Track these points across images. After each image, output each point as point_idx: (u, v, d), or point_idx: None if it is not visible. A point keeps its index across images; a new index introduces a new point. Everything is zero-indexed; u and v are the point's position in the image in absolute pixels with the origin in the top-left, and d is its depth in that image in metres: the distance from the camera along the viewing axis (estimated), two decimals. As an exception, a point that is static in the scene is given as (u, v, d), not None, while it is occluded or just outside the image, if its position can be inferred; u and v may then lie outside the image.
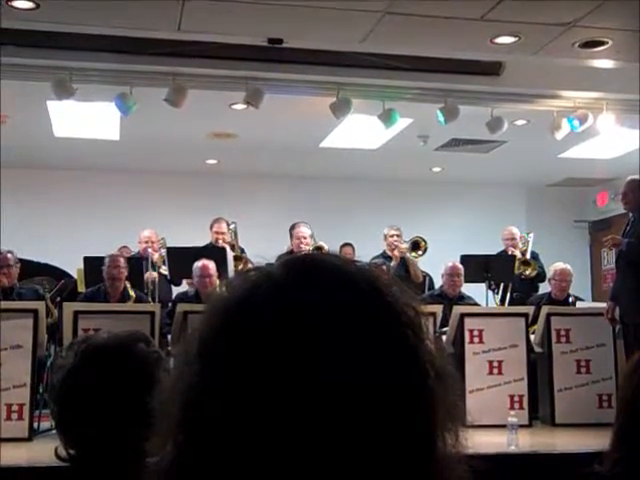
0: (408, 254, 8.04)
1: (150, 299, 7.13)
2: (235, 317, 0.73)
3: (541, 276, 8.19)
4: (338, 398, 0.68)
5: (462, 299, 7.32)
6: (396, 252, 8.02)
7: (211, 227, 8.04)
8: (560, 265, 7.49)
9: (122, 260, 6.80)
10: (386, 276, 0.79)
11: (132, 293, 6.69)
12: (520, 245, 8.48)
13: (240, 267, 7.54)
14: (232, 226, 8.08)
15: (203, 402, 0.70)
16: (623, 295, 6.18)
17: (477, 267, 7.56)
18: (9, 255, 6.57)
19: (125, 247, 8.70)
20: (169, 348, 5.72)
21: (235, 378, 0.70)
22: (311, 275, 0.75)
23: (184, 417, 0.72)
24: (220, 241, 7.89)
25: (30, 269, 6.76)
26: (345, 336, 0.70)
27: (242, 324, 0.72)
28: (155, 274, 7.68)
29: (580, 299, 7.77)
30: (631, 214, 6.38)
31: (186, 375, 0.73)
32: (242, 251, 7.93)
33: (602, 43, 5.99)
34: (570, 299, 7.46)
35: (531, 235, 8.64)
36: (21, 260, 6.74)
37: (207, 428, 0.70)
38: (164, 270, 7.72)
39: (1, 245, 6.96)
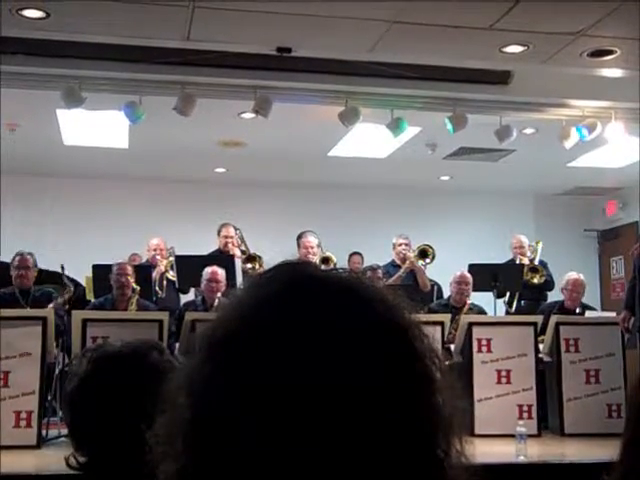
0: (416, 262, 8.04)
1: (158, 289, 7.22)
2: (223, 354, 0.73)
3: (549, 284, 8.17)
4: (333, 406, 0.68)
5: (470, 309, 7.28)
6: (407, 263, 8.02)
7: (218, 232, 8.06)
8: (574, 275, 7.36)
9: (129, 268, 6.83)
10: (369, 281, 0.79)
11: (134, 300, 6.68)
12: (529, 254, 8.46)
13: (256, 266, 7.61)
14: (237, 232, 8.10)
15: (197, 436, 0.71)
16: None
17: (485, 276, 7.54)
18: (29, 257, 6.63)
19: (136, 255, 8.72)
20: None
21: (226, 411, 0.70)
22: (297, 292, 0.75)
23: (184, 447, 0.72)
24: (229, 245, 7.91)
25: (39, 277, 6.77)
26: (337, 344, 0.70)
27: (231, 361, 0.72)
28: (162, 268, 7.72)
29: (591, 308, 7.70)
30: None
31: (181, 407, 0.73)
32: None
33: (610, 52, 5.99)
34: (579, 309, 7.41)
35: (540, 244, 8.62)
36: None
37: (201, 459, 0.70)
38: (172, 276, 7.74)
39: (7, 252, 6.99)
